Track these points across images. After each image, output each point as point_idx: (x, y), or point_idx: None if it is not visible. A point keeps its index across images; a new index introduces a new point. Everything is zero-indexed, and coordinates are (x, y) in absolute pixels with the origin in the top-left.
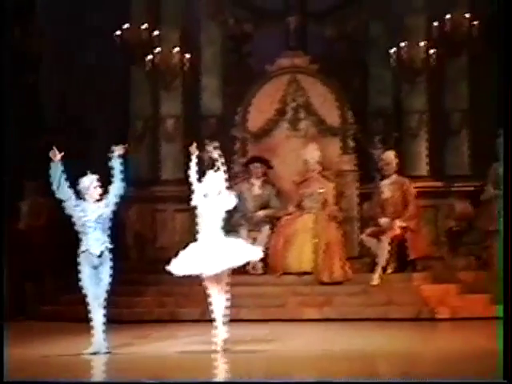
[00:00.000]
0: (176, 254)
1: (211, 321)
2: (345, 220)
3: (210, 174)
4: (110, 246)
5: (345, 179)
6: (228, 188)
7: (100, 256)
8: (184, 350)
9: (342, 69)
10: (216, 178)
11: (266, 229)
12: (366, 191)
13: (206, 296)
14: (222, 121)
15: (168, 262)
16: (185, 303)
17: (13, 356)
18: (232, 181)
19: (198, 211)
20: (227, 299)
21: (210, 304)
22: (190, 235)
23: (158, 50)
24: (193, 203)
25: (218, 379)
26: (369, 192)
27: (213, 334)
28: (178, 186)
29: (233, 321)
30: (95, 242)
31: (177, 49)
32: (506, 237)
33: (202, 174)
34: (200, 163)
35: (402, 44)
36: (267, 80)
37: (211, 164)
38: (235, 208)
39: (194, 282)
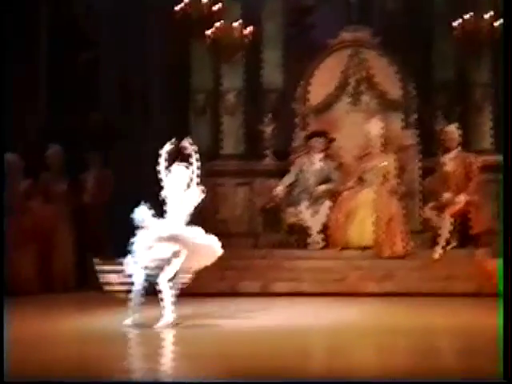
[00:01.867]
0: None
1: (273, 295)
2: (406, 194)
3: (174, 167)
4: None
5: (406, 153)
6: (198, 183)
7: None
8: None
9: (404, 42)
10: (180, 172)
11: (327, 203)
12: (428, 165)
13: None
14: (283, 95)
15: (228, 235)
16: (246, 276)
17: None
18: (292, 155)
19: (168, 205)
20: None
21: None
22: (250, 209)
23: (219, 23)
24: (162, 196)
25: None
26: (431, 166)
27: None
28: (239, 160)
29: (293, 294)
30: None
31: (238, 22)
32: (506, 235)
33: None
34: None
35: (466, 16)
36: (329, 53)
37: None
38: (296, 182)
39: (255, 255)
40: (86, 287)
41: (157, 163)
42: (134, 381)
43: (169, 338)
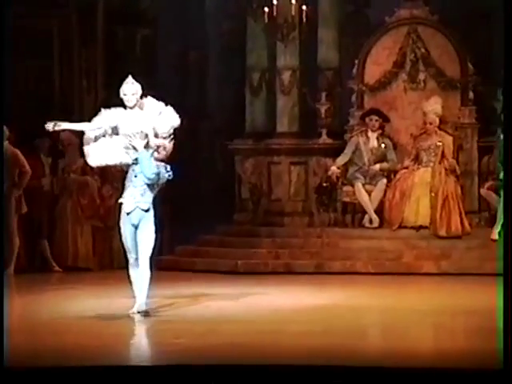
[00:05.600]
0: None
1: (327, 274)
2: (464, 174)
3: (126, 82)
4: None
5: (464, 132)
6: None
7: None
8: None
9: (462, 19)
10: (131, 87)
11: (383, 182)
12: (486, 144)
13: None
14: (339, 73)
15: (282, 214)
16: (300, 255)
17: None
18: (348, 134)
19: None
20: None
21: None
22: (305, 188)
23: (276, 1)
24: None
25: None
26: (489, 145)
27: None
28: (294, 139)
29: (348, 273)
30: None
31: (294, 1)
32: (506, 235)
33: None
34: None
35: None
36: (385, 31)
37: None
38: (351, 161)
39: (310, 234)
40: None
41: (213, 141)
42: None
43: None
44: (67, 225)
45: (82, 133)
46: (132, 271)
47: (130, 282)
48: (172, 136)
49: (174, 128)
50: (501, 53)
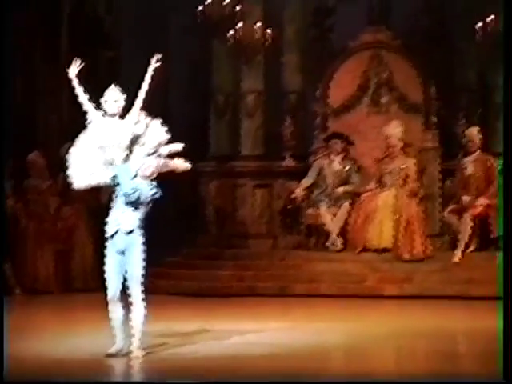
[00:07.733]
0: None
1: (291, 296)
2: (426, 197)
3: (109, 89)
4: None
5: (427, 156)
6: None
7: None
8: None
9: (425, 44)
10: (115, 94)
11: (346, 205)
12: (448, 168)
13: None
14: (303, 96)
15: (246, 236)
16: (264, 278)
17: None
18: (312, 157)
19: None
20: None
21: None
22: (269, 210)
23: (240, 25)
24: (89, 121)
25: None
26: (451, 169)
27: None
28: (258, 162)
29: (312, 296)
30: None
31: (259, 24)
32: (506, 240)
33: None
34: None
35: (489, 18)
36: (349, 55)
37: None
38: (315, 184)
39: (274, 257)
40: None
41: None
42: (135, 381)
43: None
44: (27, 247)
45: (48, 154)
46: (114, 308)
47: (111, 321)
48: (158, 153)
49: (160, 144)
50: (461, 77)
